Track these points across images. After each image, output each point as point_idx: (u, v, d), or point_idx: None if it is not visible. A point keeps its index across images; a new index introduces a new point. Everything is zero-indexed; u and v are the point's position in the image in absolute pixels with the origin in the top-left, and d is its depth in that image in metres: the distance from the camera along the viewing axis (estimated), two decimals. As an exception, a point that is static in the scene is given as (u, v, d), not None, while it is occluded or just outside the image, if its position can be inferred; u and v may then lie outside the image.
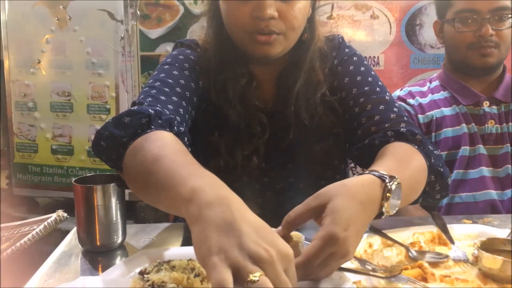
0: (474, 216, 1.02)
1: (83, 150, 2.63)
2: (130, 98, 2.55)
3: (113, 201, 0.87)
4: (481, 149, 1.36)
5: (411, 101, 1.44)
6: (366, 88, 1.05)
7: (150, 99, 0.92)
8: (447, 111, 1.40)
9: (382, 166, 0.79)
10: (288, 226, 0.68)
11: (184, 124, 0.94)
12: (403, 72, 2.29)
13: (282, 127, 1.07)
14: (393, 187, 0.73)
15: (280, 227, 0.69)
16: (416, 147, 0.92)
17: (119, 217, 0.88)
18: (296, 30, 1.00)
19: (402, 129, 0.95)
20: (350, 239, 0.64)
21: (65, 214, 1.03)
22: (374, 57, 2.31)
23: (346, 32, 2.30)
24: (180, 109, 0.96)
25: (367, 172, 0.77)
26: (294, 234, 0.70)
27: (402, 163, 0.84)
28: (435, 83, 1.49)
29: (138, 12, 2.47)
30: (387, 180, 0.73)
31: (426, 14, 2.23)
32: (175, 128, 0.86)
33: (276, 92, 1.10)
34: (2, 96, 2.75)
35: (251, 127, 1.06)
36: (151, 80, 1.01)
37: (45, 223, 0.99)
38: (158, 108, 0.88)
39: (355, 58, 1.10)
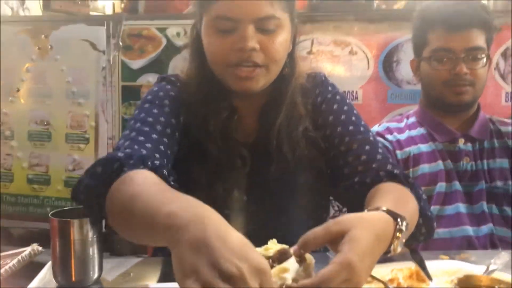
0: (451, 252, 1.03)
1: (60, 180, 2.59)
2: (110, 128, 2.54)
3: (90, 235, 0.86)
4: (457, 185, 1.37)
5: (389, 136, 1.44)
6: (350, 128, 1.07)
7: (127, 142, 0.93)
8: (424, 147, 1.42)
9: (386, 205, 0.79)
10: (306, 247, 0.69)
11: (165, 160, 0.94)
12: (380, 107, 2.34)
13: (264, 162, 1.08)
14: (403, 227, 0.75)
15: (296, 246, 0.69)
16: (409, 189, 0.94)
17: (95, 251, 0.87)
18: (278, 62, 1.02)
19: (395, 171, 0.98)
20: (364, 270, 0.66)
21: (40, 248, 1.01)
22: (352, 91, 2.36)
23: (326, 67, 2.34)
24: (161, 146, 0.96)
25: (377, 208, 0.78)
26: (307, 256, 0.70)
27: (401, 204, 0.85)
28: (412, 119, 1.50)
29: (121, 43, 2.49)
30: (398, 220, 0.76)
31: (403, 51, 2.29)
32: (149, 163, 0.85)
33: (258, 126, 1.11)
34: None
35: (232, 161, 1.06)
36: (132, 121, 1.01)
37: (19, 257, 0.97)
38: (128, 150, 0.89)
39: (338, 97, 1.13)
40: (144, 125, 0.98)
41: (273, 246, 0.71)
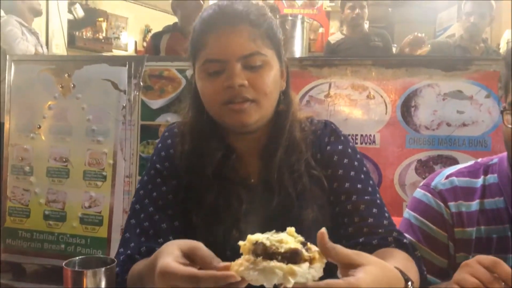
0: None
1: (75, 217, 2.60)
2: (127, 166, 2.56)
3: (103, 285, 0.85)
4: None
5: (452, 205, 1.10)
6: (359, 186, 1.07)
7: (135, 233, 1.06)
8: (497, 231, 1.08)
9: (397, 266, 0.80)
10: (326, 255, 0.69)
11: (167, 233, 1.06)
12: (399, 152, 2.32)
13: (266, 199, 1.08)
14: None
15: (323, 241, 0.69)
16: (414, 262, 0.94)
17: (108, 302, 0.85)
18: (268, 96, 1.03)
19: (404, 240, 0.99)
20: None
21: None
22: (370, 135, 2.35)
23: (343, 110, 2.35)
24: (163, 224, 1.06)
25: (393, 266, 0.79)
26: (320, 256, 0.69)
27: (409, 272, 0.84)
28: (493, 178, 1.12)
29: (142, 83, 2.54)
30: (409, 284, 0.77)
31: (421, 97, 2.29)
32: (137, 256, 1.00)
33: (260, 166, 1.12)
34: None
35: (228, 202, 1.07)
36: (141, 191, 1.12)
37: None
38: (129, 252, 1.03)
39: (349, 150, 1.12)
40: (150, 203, 1.09)
41: (289, 240, 0.69)
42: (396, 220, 1.54)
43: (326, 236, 0.70)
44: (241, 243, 0.72)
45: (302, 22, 3.20)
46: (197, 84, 1.07)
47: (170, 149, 1.14)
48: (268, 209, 1.07)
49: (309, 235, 1.09)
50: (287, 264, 0.64)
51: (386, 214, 1.05)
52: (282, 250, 0.66)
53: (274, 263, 0.64)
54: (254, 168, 1.12)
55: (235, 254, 1.05)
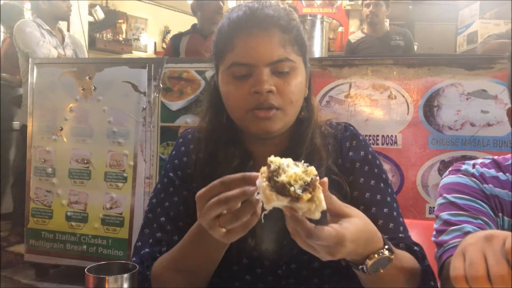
0: None
1: (97, 218, 2.63)
2: (147, 167, 2.58)
3: (125, 291, 0.85)
4: None
5: (487, 187, 1.09)
6: (378, 197, 1.05)
7: (148, 240, 1.07)
8: None
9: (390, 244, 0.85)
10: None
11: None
12: (421, 152, 2.28)
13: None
14: (384, 253, 0.82)
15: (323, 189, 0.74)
16: (420, 269, 0.95)
17: (129, 307, 0.85)
18: (294, 104, 1.01)
19: (415, 247, 0.99)
20: (346, 249, 0.74)
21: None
22: (391, 136, 2.32)
23: (364, 110, 2.32)
24: (175, 237, 1.05)
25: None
26: (318, 197, 0.75)
27: (405, 262, 0.88)
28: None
29: (161, 85, 2.55)
30: (386, 246, 0.83)
31: (444, 96, 2.25)
32: (158, 254, 1.02)
33: None
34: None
35: None
36: (154, 200, 1.11)
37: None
38: (143, 255, 1.03)
39: (370, 157, 1.10)
40: (162, 213, 1.09)
41: (294, 175, 0.73)
42: (418, 223, 1.51)
43: (326, 185, 0.75)
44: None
45: (322, 22, 3.17)
46: (221, 87, 1.04)
47: (184, 157, 1.11)
48: (285, 216, 1.05)
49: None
50: (271, 191, 0.73)
51: (401, 227, 1.04)
52: (277, 179, 0.73)
53: (262, 184, 0.73)
54: None
55: (251, 261, 1.04)
